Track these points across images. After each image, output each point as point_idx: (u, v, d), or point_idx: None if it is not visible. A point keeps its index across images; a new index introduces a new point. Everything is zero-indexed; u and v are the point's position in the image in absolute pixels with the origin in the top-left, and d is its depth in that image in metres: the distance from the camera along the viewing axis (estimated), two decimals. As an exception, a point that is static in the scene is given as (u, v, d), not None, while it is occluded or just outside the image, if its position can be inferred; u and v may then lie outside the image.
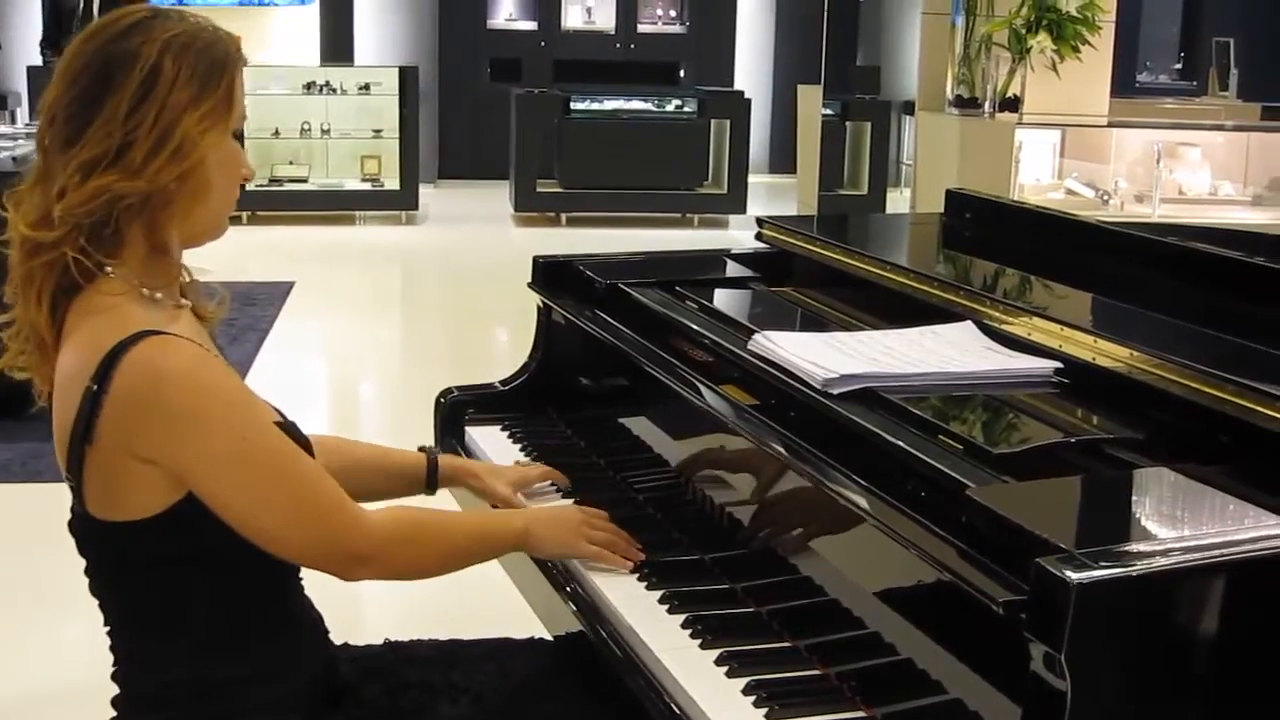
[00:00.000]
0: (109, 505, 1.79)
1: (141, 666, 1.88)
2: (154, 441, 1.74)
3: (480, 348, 7.87)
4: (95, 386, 1.73)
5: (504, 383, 2.91)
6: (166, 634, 1.85)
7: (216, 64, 1.82)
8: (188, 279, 1.93)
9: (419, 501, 2.31)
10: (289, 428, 1.89)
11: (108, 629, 1.91)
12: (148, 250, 1.82)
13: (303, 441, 1.91)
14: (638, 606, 2.02)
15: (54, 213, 1.77)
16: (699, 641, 1.91)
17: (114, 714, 1.91)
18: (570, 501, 2.38)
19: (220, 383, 1.78)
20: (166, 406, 1.72)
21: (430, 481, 2.37)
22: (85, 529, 1.84)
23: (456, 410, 2.86)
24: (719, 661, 1.85)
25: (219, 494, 1.77)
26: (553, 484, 2.46)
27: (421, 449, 2.40)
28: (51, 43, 9.31)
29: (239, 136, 1.90)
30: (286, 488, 1.80)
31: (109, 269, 1.79)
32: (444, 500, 2.40)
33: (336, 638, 2.07)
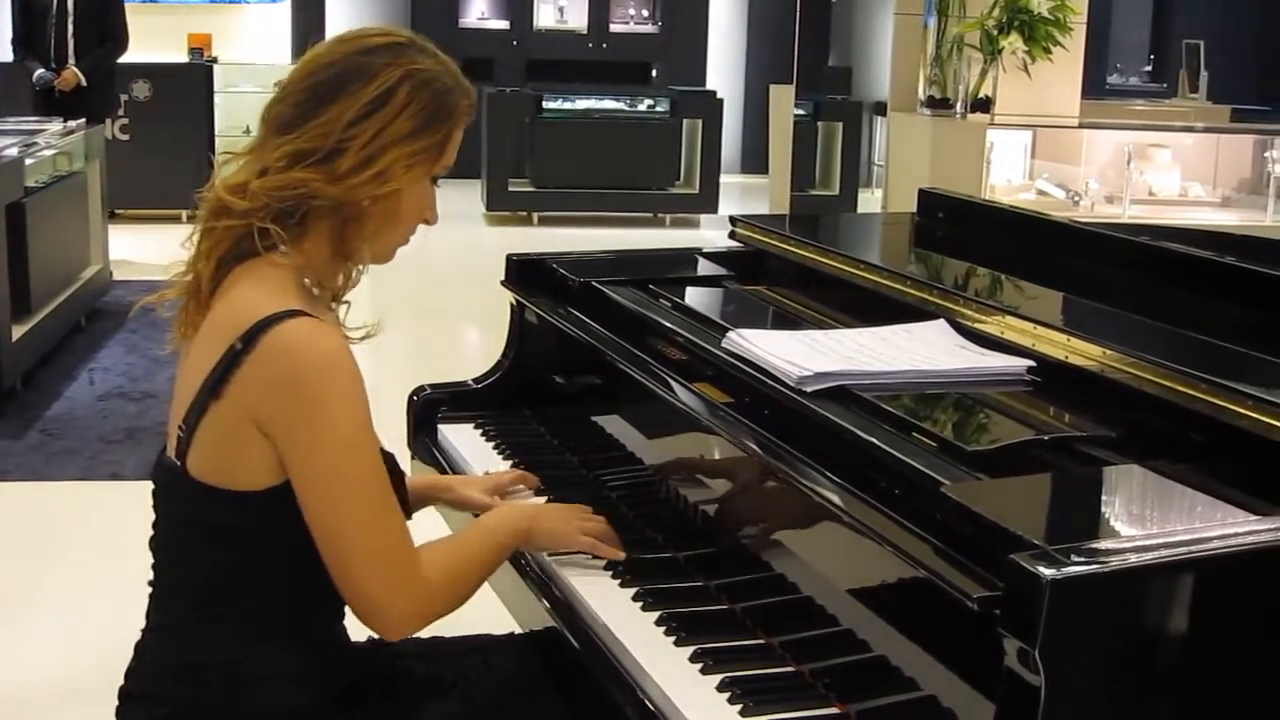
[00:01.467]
0: (212, 468, 1.82)
1: (177, 639, 1.88)
2: (275, 413, 1.77)
3: (451, 347, 7.86)
4: (240, 346, 1.77)
5: (477, 381, 2.91)
6: (214, 612, 1.85)
7: (444, 111, 1.90)
8: (350, 288, 2.01)
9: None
10: (392, 459, 1.92)
11: (152, 592, 1.92)
12: (329, 253, 1.90)
13: (400, 476, 1.95)
14: (612, 604, 2.02)
15: (251, 185, 1.84)
16: (673, 639, 1.91)
17: (123, 685, 1.91)
18: (544, 500, 2.38)
19: (355, 381, 1.80)
20: (300, 383, 1.76)
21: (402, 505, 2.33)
22: (174, 483, 1.86)
23: (429, 408, 2.85)
24: (693, 659, 1.85)
25: (316, 481, 1.78)
26: (524, 487, 2.44)
27: None
28: (24, 42, 9.25)
29: (434, 180, 1.95)
30: (369, 509, 1.81)
31: (284, 249, 1.85)
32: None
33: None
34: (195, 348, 1.86)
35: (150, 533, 1.93)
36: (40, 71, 9.02)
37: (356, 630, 2.15)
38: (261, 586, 1.84)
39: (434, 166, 1.92)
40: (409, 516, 1.96)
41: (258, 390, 1.77)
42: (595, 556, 2.13)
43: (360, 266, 2.01)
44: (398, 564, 1.83)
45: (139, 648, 1.92)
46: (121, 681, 1.93)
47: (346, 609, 1.95)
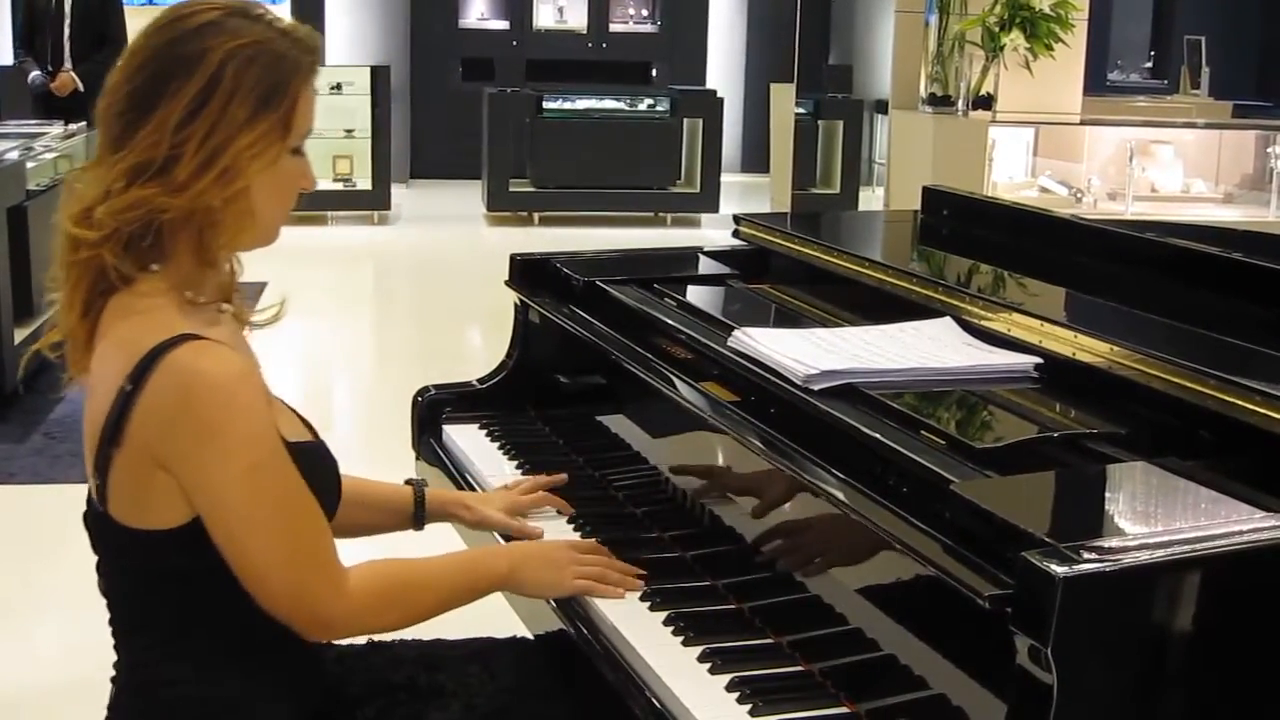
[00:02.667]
0: (130, 512, 1.75)
1: (143, 677, 1.84)
2: (177, 450, 1.69)
3: (454, 347, 7.85)
4: (130, 387, 1.68)
5: (481, 381, 2.90)
6: (171, 649, 1.81)
7: (281, 81, 1.75)
8: (235, 279, 1.90)
9: (405, 538, 2.28)
10: (317, 451, 1.86)
11: (113, 631, 1.87)
12: (192, 262, 1.77)
13: (330, 467, 1.89)
14: (619, 604, 2.01)
15: (96, 213, 1.71)
16: (681, 639, 1.90)
17: (106, 716, 1.88)
18: (567, 523, 2.31)
19: (253, 404, 1.71)
20: (192, 415, 1.67)
21: (418, 516, 2.27)
22: (102, 530, 1.80)
23: (434, 409, 2.85)
24: (702, 658, 1.84)
25: (217, 514, 1.71)
26: (550, 508, 2.36)
27: (409, 482, 2.32)
28: (26, 43, 9.26)
29: (297, 150, 1.81)
30: (281, 528, 1.74)
31: (154, 267, 1.74)
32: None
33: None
34: (91, 391, 1.76)
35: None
36: (35, 74, 9.03)
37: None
38: (210, 619, 1.80)
39: (286, 140, 1.76)
40: (331, 517, 1.86)
41: (153, 428, 1.68)
42: None
43: (236, 259, 1.89)
44: (311, 577, 1.76)
45: (114, 684, 1.88)
46: None
47: None
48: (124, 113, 1.73)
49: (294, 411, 1.96)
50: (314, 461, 1.84)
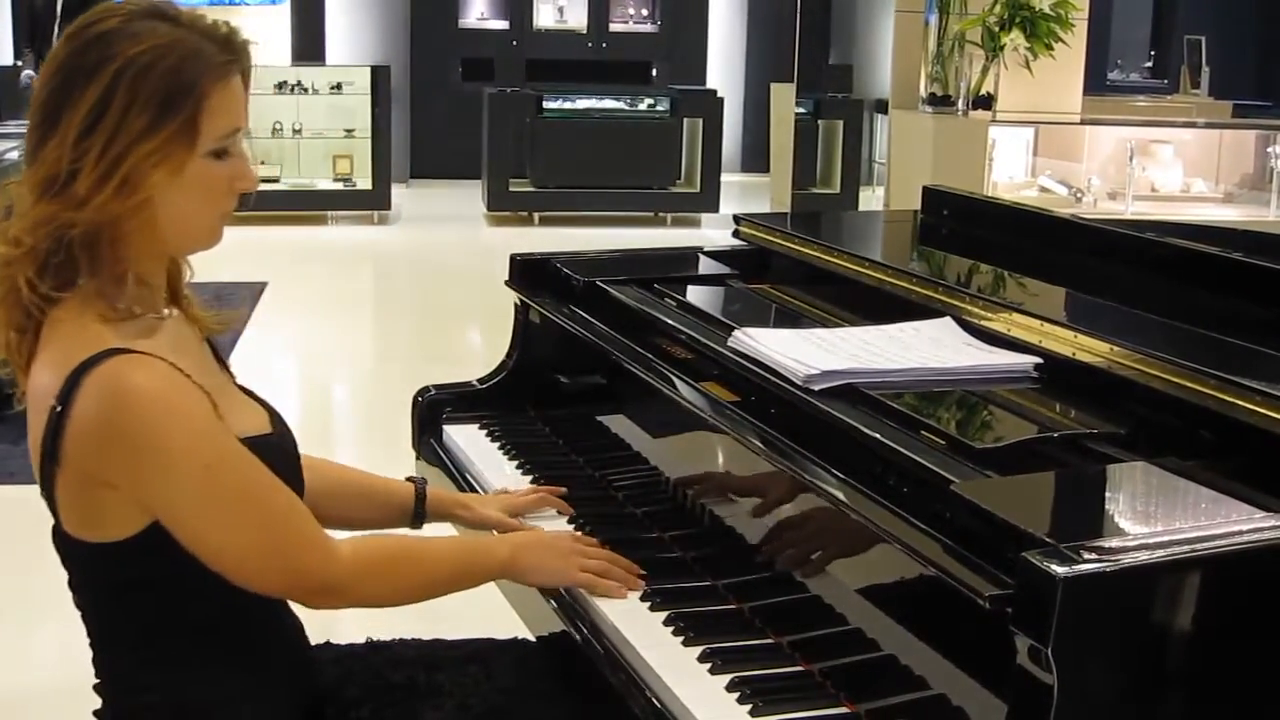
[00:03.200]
0: (81, 526, 1.74)
1: (122, 687, 1.83)
2: (116, 468, 1.66)
3: (454, 347, 7.85)
4: (59, 407, 1.65)
5: (482, 381, 2.90)
6: (144, 656, 1.80)
7: (182, 87, 1.68)
8: (181, 282, 1.88)
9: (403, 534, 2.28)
10: (270, 444, 1.83)
11: (90, 644, 1.86)
12: (107, 275, 1.73)
13: (287, 459, 1.87)
14: (619, 604, 2.00)
15: (10, 230, 1.69)
16: (681, 639, 1.90)
17: None
18: (567, 524, 2.29)
19: (186, 407, 1.67)
20: (127, 431, 1.64)
21: (417, 514, 2.25)
22: (63, 545, 1.79)
23: (434, 409, 2.85)
24: (702, 659, 1.84)
25: (182, 523, 1.70)
26: (551, 509, 2.35)
27: (410, 479, 2.30)
28: (28, 41, 9.27)
29: (220, 153, 1.75)
30: (251, 520, 1.73)
31: (61, 299, 1.70)
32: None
33: (317, 635, 2.05)
34: (29, 414, 1.74)
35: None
36: (26, 73, 9.04)
37: (352, 632, 2.16)
38: (179, 624, 1.79)
39: (194, 147, 1.70)
40: (301, 493, 1.84)
41: (88, 449, 1.65)
42: None
43: (183, 260, 1.87)
44: (295, 553, 1.76)
45: (96, 691, 1.87)
46: None
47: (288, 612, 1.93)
48: (37, 125, 1.70)
49: (256, 399, 1.94)
50: (270, 455, 1.81)
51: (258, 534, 1.74)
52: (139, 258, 1.75)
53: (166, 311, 1.83)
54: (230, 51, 1.74)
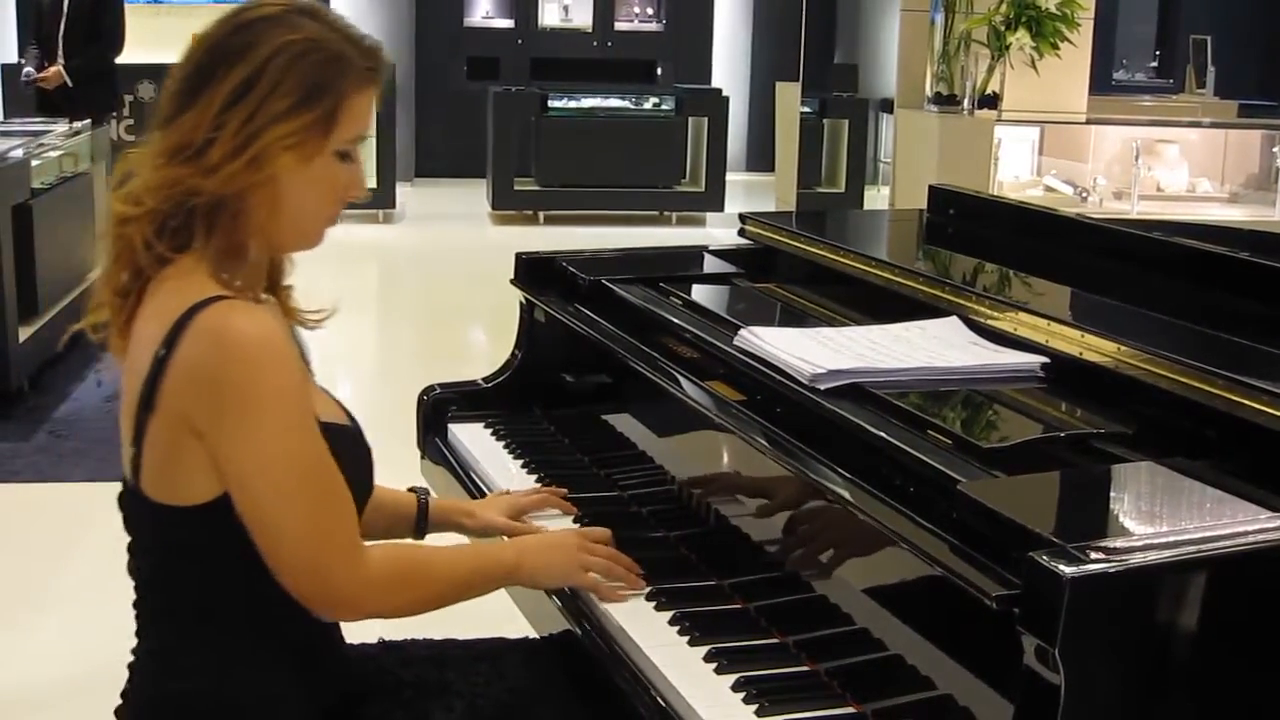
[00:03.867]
0: (160, 485, 1.75)
1: (163, 666, 1.83)
2: (202, 409, 1.69)
3: (458, 346, 7.85)
4: (164, 351, 1.69)
5: (487, 380, 2.90)
6: (196, 635, 1.81)
7: (328, 80, 1.77)
8: (283, 273, 1.93)
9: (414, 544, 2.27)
10: (351, 435, 1.86)
11: (137, 615, 1.86)
12: (223, 247, 1.77)
13: (363, 454, 1.90)
14: (625, 605, 2.00)
15: (136, 189, 1.76)
16: (687, 639, 1.90)
17: (118, 705, 1.87)
18: (572, 523, 2.29)
19: (284, 365, 1.72)
20: (223, 373, 1.67)
21: (419, 526, 2.25)
22: (135, 507, 1.80)
23: (439, 408, 2.84)
24: (708, 658, 1.84)
25: (244, 479, 1.71)
26: (559, 509, 2.35)
27: (412, 489, 2.30)
28: (36, 39, 9.26)
29: (346, 155, 1.82)
30: (308, 500, 1.73)
31: (197, 246, 1.75)
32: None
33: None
34: (128, 371, 1.78)
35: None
36: (28, 69, 9.04)
37: (364, 633, 2.15)
38: (237, 604, 1.79)
39: (326, 142, 1.78)
40: (360, 507, 1.86)
41: (186, 389, 1.69)
42: None
43: (286, 255, 1.92)
44: (335, 552, 1.76)
45: (131, 670, 1.87)
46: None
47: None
48: (177, 94, 1.77)
49: (334, 399, 1.95)
50: (346, 445, 1.84)
51: (306, 516, 1.73)
52: (256, 235, 1.80)
53: (265, 297, 1.89)
54: (372, 61, 1.83)
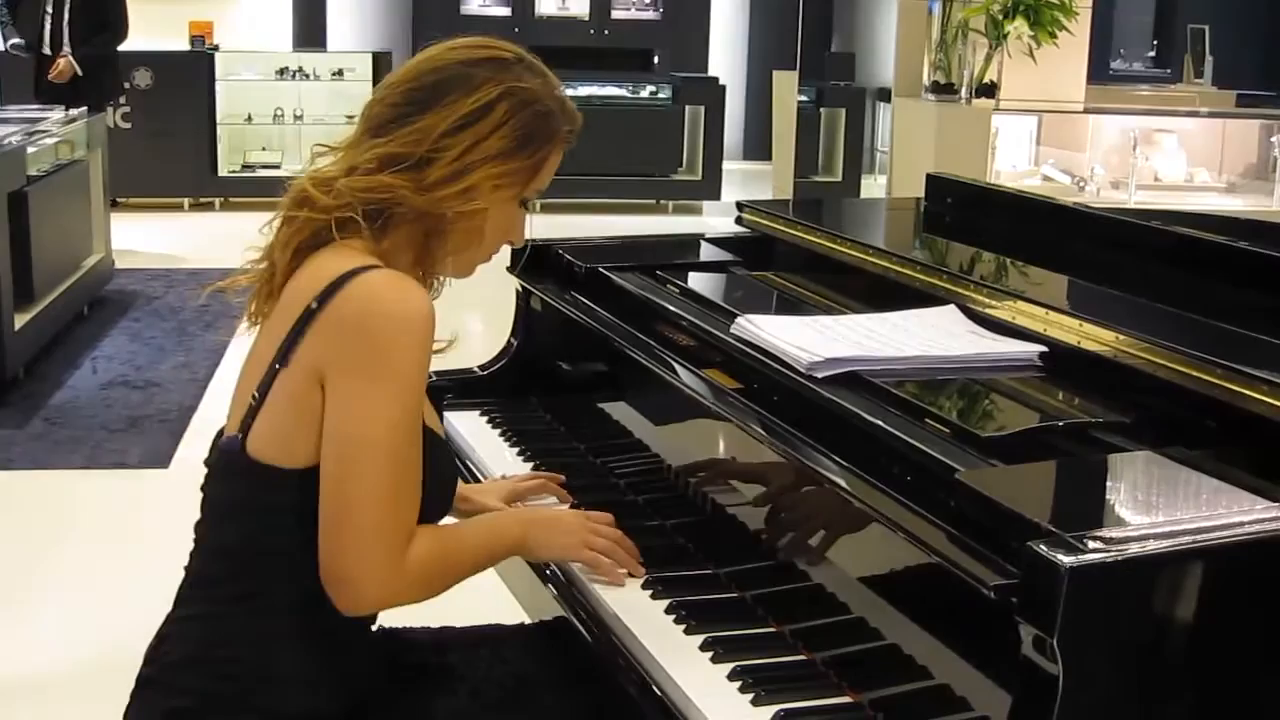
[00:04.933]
0: (271, 444, 1.79)
1: (207, 630, 1.84)
2: (337, 358, 1.74)
3: (452, 334, 7.83)
4: (315, 305, 1.75)
5: (483, 367, 2.89)
6: (248, 604, 1.82)
7: (542, 133, 1.89)
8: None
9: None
10: (445, 451, 1.92)
11: (186, 579, 1.89)
12: (409, 259, 1.88)
13: (449, 473, 1.96)
14: (621, 592, 2.00)
15: (338, 183, 1.82)
16: (683, 627, 1.89)
17: (143, 669, 1.87)
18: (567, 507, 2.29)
19: (425, 341, 1.77)
20: (370, 327, 1.73)
21: None
22: (231, 463, 1.83)
23: (435, 395, 2.81)
24: (704, 647, 1.84)
25: (340, 429, 1.74)
26: (555, 498, 2.34)
27: None
28: (10, 6, 9.24)
29: (524, 204, 1.95)
30: (388, 477, 1.74)
31: (364, 235, 1.82)
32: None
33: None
34: (266, 328, 1.85)
35: (197, 516, 1.90)
36: (16, 40, 9.03)
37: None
38: (299, 578, 1.79)
39: (524, 189, 1.91)
40: (432, 518, 1.89)
41: (327, 338, 1.75)
42: None
43: (440, 278, 2.00)
44: (386, 549, 1.76)
45: (163, 634, 1.88)
46: (131, 667, 1.89)
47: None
48: (398, 105, 1.86)
49: (435, 409, 2.01)
50: (438, 457, 1.88)
51: (377, 502, 1.75)
52: (449, 256, 1.91)
53: None
54: (573, 124, 1.96)
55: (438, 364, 2.89)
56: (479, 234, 1.90)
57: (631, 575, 2.03)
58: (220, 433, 1.89)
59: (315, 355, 1.75)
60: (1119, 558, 1.37)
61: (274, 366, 1.78)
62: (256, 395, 1.80)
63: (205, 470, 1.90)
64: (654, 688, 1.80)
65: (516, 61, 1.90)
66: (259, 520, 1.82)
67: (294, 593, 1.81)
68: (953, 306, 2.26)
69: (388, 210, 1.83)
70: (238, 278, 1.93)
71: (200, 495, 1.90)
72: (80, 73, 8.93)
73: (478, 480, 2.51)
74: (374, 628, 1.98)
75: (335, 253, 1.82)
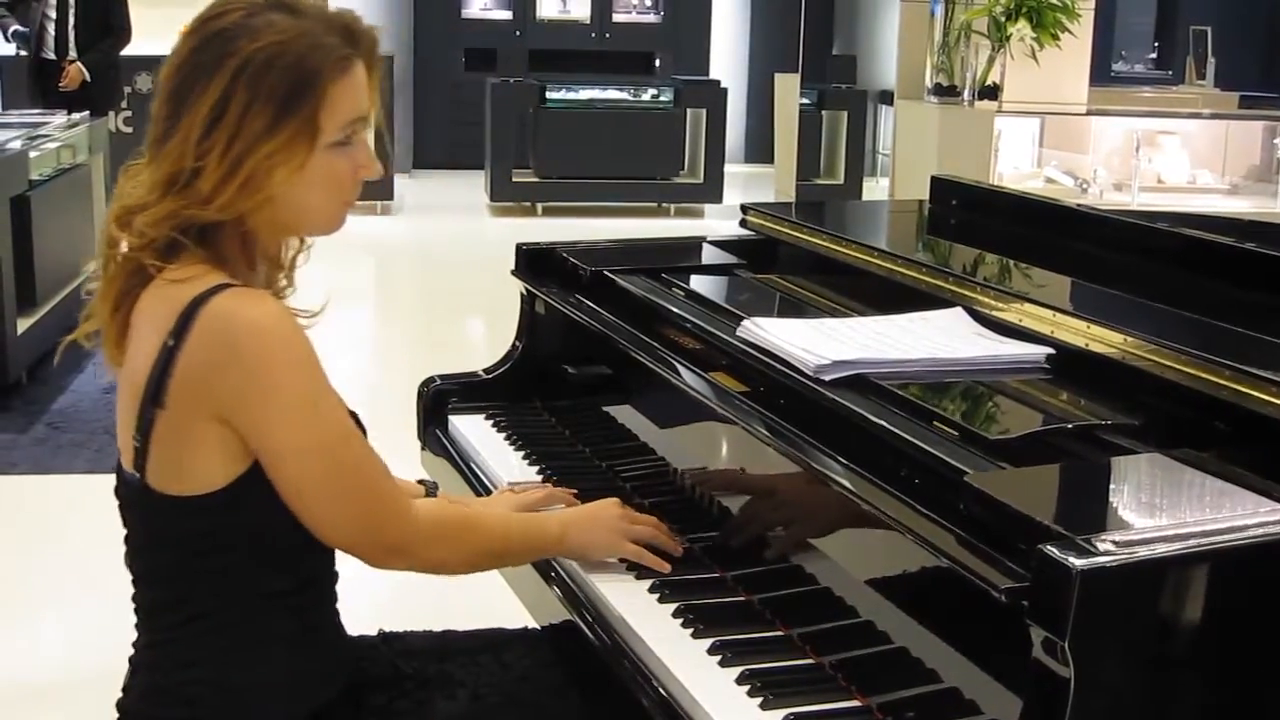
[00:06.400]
0: (169, 476, 1.73)
1: (166, 658, 1.82)
2: (226, 394, 1.68)
3: (457, 338, 7.84)
4: (172, 342, 1.68)
5: (488, 371, 2.89)
6: (199, 627, 1.79)
7: (301, 85, 1.70)
8: (285, 267, 1.92)
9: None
10: (358, 421, 1.87)
11: (137, 608, 1.85)
12: (237, 252, 1.78)
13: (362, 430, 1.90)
14: (628, 596, 1.99)
15: (135, 222, 1.72)
16: (691, 631, 1.89)
17: (119, 699, 1.86)
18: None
19: (300, 342, 1.72)
20: (243, 356, 1.67)
21: None
22: (136, 499, 1.78)
23: (440, 399, 2.83)
24: (711, 651, 1.83)
25: (279, 453, 1.71)
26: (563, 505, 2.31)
27: (421, 482, 2.30)
28: (8, 6, 9.24)
29: (345, 140, 1.77)
30: (345, 464, 1.76)
31: (193, 250, 1.73)
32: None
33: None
34: (127, 366, 1.77)
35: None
36: (16, 28, 9.03)
37: (364, 624, 2.14)
38: (242, 593, 1.78)
39: (315, 141, 1.73)
40: None
41: (201, 378, 1.67)
42: None
43: (298, 243, 1.91)
44: (377, 501, 1.79)
45: (132, 664, 1.86)
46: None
47: (338, 602, 1.92)
48: (163, 117, 1.74)
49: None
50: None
51: (351, 479, 1.76)
52: (268, 246, 1.83)
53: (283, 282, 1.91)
54: (351, 42, 1.76)
55: (442, 368, 2.91)
56: (299, 204, 1.76)
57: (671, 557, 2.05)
58: (120, 464, 1.82)
59: (195, 396, 1.68)
60: (1130, 560, 1.37)
61: (149, 408, 1.71)
62: (139, 438, 1.74)
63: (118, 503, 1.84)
64: (662, 691, 1.79)
65: (245, 17, 1.71)
66: (185, 547, 1.78)
67: (239, 608, 1.79)
68: (959, 309, 2.25)
69: (190, 230, 1.72)
70: (84, 326, 1.84)
71: (122, 527, 1.85)
72: (89, 79, 8.92)
73: (483, 482, 2.51)
74: (356, 632, 1.97)
75: (177, 273, 1.72)
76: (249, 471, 1.73)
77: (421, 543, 1.86)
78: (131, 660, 1.86)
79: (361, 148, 1.80)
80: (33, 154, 6.45)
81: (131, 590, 1.86)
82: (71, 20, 8.95)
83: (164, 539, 1.79)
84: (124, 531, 1.85)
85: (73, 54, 8.94)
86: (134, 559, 1.85)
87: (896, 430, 1.80)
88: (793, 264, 2.82)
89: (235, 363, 1.67)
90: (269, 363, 1.68)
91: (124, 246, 1.76)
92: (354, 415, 1.86)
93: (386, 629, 2.13)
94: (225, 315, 1.67)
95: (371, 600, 3.83)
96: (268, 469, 1.72)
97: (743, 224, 3.05)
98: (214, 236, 1.75)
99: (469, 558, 1.96)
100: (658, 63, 14.51)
